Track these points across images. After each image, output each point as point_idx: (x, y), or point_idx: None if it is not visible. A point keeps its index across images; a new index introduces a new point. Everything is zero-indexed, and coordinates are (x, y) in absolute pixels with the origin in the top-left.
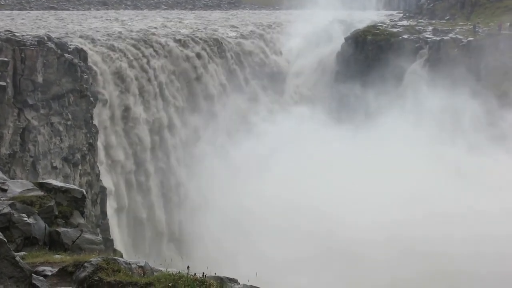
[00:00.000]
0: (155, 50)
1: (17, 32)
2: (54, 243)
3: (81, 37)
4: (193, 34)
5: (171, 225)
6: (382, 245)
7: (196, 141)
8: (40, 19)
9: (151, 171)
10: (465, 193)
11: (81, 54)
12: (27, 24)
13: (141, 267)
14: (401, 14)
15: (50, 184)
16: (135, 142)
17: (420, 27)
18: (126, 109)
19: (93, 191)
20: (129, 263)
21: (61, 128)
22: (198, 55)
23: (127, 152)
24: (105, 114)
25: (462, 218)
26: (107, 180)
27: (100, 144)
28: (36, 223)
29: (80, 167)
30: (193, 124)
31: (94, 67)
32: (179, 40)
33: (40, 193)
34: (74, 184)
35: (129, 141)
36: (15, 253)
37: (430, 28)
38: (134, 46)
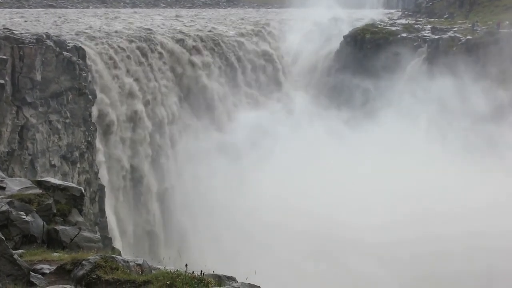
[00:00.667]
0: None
1: (15, 30)
2: (52, 241)
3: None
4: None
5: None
6: (384, 246)
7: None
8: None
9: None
10: (465, 191)
11: (80, 52)
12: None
13: (139, 265)
14: (400, 13)
15: (48, 182)
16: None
17: (418, 25)
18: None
19: (91, 189)
20: (127, 261)
21: (59, 126)
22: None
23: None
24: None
25: (462, 216)
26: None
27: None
28: (34, 221)
29: (78, 165)
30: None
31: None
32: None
33: (38, 191)
34: (72, 182)
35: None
36: (13, 251)
37: (429, 26)
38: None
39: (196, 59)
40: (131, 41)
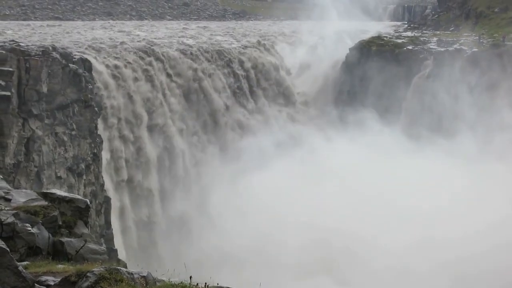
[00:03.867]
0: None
1: (21, 42)
2: (58, 253)
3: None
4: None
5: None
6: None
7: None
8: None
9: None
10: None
11: (86, 64)
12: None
13: (143, 277)
14: (406, 25)
15: (54, 194)
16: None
17: (424, 38)
18: None
19: (97, 201)
20: (132, 273)
21: (65, 138)
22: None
23: None
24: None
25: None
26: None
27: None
28: (39, 233)
29: (84, 177)
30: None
31: None
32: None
33: (44, 203)
34: (78, 194)
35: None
36: (18, 263)
37: (435, 39)
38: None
39: (201, 70)
40: (136, 53)
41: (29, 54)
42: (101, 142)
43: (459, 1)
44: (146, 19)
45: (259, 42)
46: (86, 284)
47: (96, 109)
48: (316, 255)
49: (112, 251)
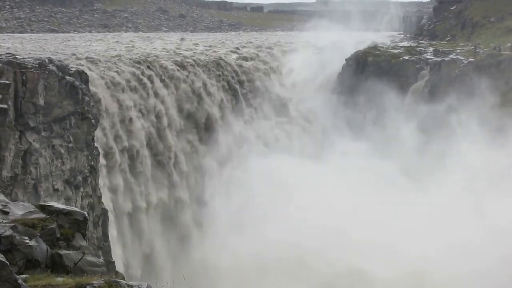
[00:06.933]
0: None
1: (18, 55)
2: (56, 265)
3: None
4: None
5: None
6: None
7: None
8: None
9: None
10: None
11: (82, 76)
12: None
13: None
14: (402, 35)
15: (51, 206)
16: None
17: (421, 48)
18: None
19: (94, 213)
20: (131, 286)
21: (62, 151)
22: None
23: None
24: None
25: None
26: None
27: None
28: (38, 246)
29: (81, 189)
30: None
31: None
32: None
33: (42, 215)
34: (75, 207)
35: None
36: (17, 276)
37: (431, 49)
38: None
39: (198, 83)
40: (133, 66)
41: (25, 67)
42: (98, 154)
43: (455, 11)
44: (142, 31)
45: (255, 53)
46: None
47: (93, 121)
48: None
49: (110, 263)
